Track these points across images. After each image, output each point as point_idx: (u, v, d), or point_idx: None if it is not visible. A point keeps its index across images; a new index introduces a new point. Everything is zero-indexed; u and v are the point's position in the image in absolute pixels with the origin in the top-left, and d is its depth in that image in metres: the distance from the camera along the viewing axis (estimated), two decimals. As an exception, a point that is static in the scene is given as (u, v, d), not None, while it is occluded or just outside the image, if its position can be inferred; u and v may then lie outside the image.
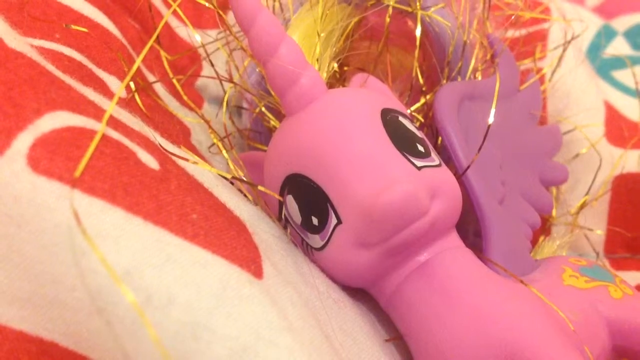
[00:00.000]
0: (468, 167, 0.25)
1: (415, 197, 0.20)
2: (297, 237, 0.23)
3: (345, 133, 0.21)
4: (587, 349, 0.22)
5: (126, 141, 0.20)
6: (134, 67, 0.23)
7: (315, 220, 0.22)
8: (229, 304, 0.17)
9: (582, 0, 0.44)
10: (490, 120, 0.27)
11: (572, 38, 0.35)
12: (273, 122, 0.29)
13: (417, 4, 0.28)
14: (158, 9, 0.34)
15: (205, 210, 0.19)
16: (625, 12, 0.43)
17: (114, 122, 0.20)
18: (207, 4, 0.28)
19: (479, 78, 0.30)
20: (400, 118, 0.23)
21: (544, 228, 0.33)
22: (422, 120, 0.30)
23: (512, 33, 0.34)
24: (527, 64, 0.36)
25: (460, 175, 0.25)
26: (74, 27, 0.25)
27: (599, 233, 0.35)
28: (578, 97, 0.36)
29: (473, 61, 0.29)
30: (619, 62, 0.39)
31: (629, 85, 0.38)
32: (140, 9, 0.31)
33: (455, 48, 0.29)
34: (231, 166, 0.26)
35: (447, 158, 0.25)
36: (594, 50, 0.40)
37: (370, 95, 0.24)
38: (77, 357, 0.18)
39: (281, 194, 0.23)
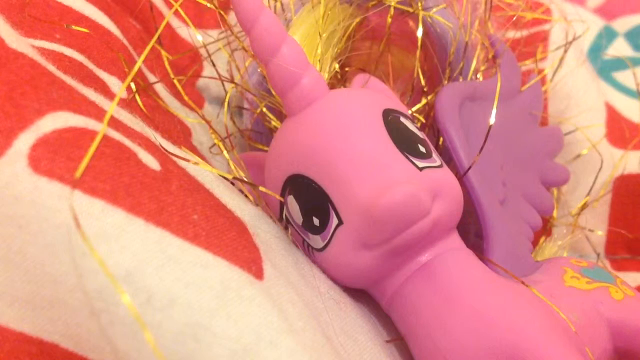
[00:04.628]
0: (469, 167, 0.25)
1: (416, 198, 0.20)
2: (298, 237, 0.23)
3: (347, 134, 0.21)
4: (589, 350, 0.22)
5: (127, 142, 0.20)
6: (135, 68, 0.23)
7: (316, 221, 0.22)
8: (229, 305, 0.17)
9: (583, 1, 0.44)
10: (492, 121, 0.27)
11: (574, 39, 0.35)
12: (274, 122, 0.29)
13: (419, 4, 0.28)
14: (159, 9, 0.33)
15: (206, 211, 0.19)
16: (626, 13, 0.43)
17: (114, 123, 0.20)
18: (208, 4, 0.28)
19: (481, 79, 0.30)
20: (402, 119, 0.23)
21: (545, 229, 0.33)
22: (424, 120, 0.30)
23: (513, 34, 0.34)
24: (528, 64, 0.36)
25: (461, 176, 0.25)
26: (74, 27, 0.25)
27: (600, 234, 0.35)
28: (579, 98, 0.36)
29: (474, 62, 0.29)
30: (619, 63, 0.39)
31: (629, 86, 0.38)
32: (141, 10, 0.31)
33: (456, 49, 0.29)
34: (232, 167, 0.26)
35: (449, 159, 0.25)
36: (595, 51, 0.40)
37: (372, 96, 0.24)
38: (78, 358, 0.18)
39: (282, 194, 0.23)
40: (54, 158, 0.18)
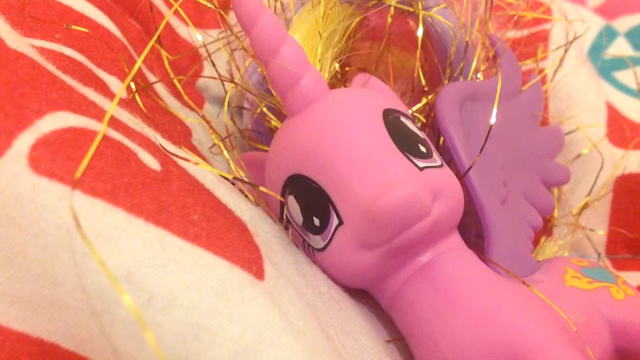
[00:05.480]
0: (470, 167, 0.25)
1: (417, 198, 0.20)
2: (298, 237, 0.23)
3: (347, 134, 0.21)
4: (589, 350, 0.22)
5: (127, 142, 0.20)
6: (135, 68, 0.23)
7: (316, 221, 0.22)
8: (230, 306, 0.17)
9: (583, 1, 0.44)
10: (492, 120, 0.27)
11: (574, 38, 0.35)
12: (274, 122, 0.29)
13: (419, 4, 0.28)
14: (159, 9, 0.33)
15: (206, 211, 0.19)
16: (626, 12, 0.43)
17: (114, 123, 0.20)
18: (208, 4, 0.28)
19: (481, 78, 0.30)
20: (402, 118, 0.23)
21: (546, 229, 0.33)
22: (424, 120, 0.30)
23: (514, 33, 0.34)
24: (528, 64, 0.36)
25: (462, 176, 0.25)
26: (74, 27, 0.25)
27: (601, 234, 0.34)
28: (579, 98, 0.36)
29: (475, 61, 0.29)
30: (620, 63, 0.39)
31: (630, 86, 0.38)
32: (141, 9, 0.31)
33: (457, 48, 0.29)
34: (232, 167, 0.26)
35: (449, 158, 0.25)
36: (596, 51, 0.40)
37: (372, 96, 0.24)
38: (78, 358, 0.18)
39: (283, 194, 0.23)
40: (54, 158, 0.17)
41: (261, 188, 0.23)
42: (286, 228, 0.24)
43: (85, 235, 0.17)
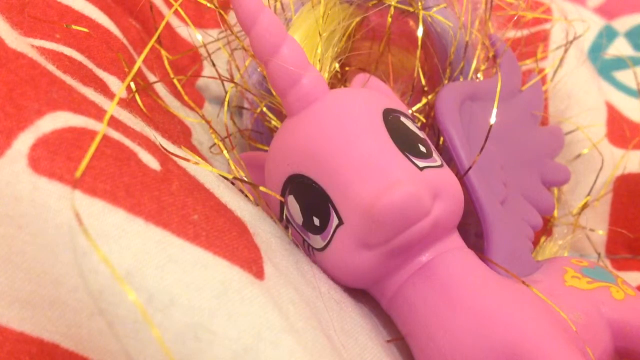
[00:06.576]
0: (470, 167, 0.25)
1: (417, 198, 0.20)
2: (298, 237, 0.23)
3: (347, 133, 0.21)
4: (589, 350, 0.22)
5: (127, 141, 0.20)
6: (135, 68, 0.23)
7: (316, 221, 0.22)
8: (230, 305, 0.17)
9: (583, 1, 0.44)
10: (492, 120, 0.27)
11: (574, 38, 0.35)
12: (274, 122, 0.29)
13: (419, 4, 0.28)
14: (159, 9, 0.33)
15: (206, 211, 0.19)
16: (626, 12, 0.43)
17: (114, 123, 0.20)
18: (208, 4, 0.28)
19: (481, 78, 0.30)
20: (402, 118, 0.23)
21: (546, 229, 0.33)
22: (424, 120, 0.30)
23: (513, 33, 0.34)
24: (528, 64, 0.36)
25: (462, 176, 0.25)
26: (74, 27, 0.25)
27: (601, 234, 0.34)
28: (579, 98, 0.36)
29: (475, 61, 0.29)
30: (620, 63, 0.39)
31: (630, 85, 0.38)
32: (141, 9, 0.31)
33: (457, 48, 0.29)
34: (232, 166, 0.26)
35: (449, 158, 0.25)
36: (596, 51, 0.40)
37: (372, 96, 0.24)
38: (78, 358, 0.18)
39: (282, 194, 0.23)
40: (54, 158, 0.18)
41: (261, 188, 0.23)
42: (286, 228, 0.24)
43: (88, 232, 0.17)
